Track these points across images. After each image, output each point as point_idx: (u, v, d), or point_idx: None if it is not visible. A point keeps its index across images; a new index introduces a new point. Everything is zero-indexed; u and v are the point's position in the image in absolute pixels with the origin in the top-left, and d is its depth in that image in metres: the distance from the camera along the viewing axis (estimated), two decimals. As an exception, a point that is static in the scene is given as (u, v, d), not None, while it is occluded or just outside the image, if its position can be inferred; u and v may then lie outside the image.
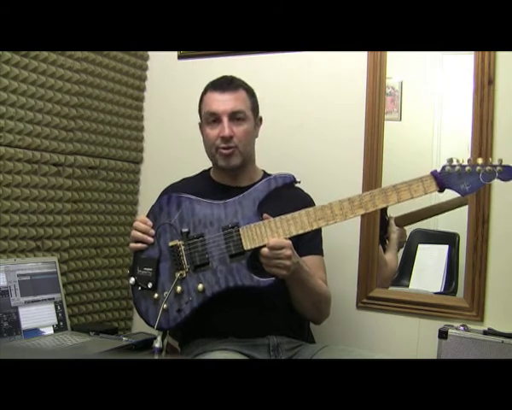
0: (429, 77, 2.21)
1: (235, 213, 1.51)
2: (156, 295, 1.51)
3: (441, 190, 1.45)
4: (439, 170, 1.45)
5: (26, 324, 1.79)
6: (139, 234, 1.57)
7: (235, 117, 1.63)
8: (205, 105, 1.69)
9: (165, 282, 1.52)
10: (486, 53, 1.81)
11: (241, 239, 1.48)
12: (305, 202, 1.68)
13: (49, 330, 1.86)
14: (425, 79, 2.22)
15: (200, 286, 1.47)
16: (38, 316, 1.84)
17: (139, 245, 1.57)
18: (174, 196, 1.58)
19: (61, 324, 1.90)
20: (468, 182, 1.42)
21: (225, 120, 1.62)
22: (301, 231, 1.47)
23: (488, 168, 1.42)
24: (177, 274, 1.50)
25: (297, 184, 1.75)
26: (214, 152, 1.67)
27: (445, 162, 1.45)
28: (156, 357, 1.49)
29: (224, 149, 1.64)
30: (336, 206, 1.47)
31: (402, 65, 2.15)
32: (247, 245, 1.47)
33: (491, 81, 1.82)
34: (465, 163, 1.43)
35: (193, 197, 1.56)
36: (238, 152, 1.65)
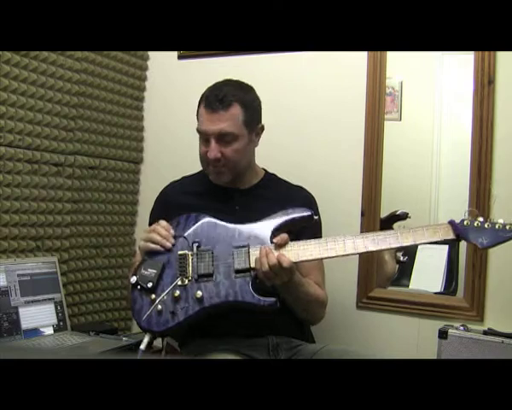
0: (429, 77, 2.21)
1: (248, 237, 1.51)
2: (153, 296, 1.48)
3: (458, 239, 1.43)
4: (457, 221, 1.43)
5: (26, 324, 1.79)
6: (158, 238, 1.53)
7: (222, 139, 1.61)
8: (198, 120, 1.67)
9: (166, 286, 1.49)
10: (486, 53, 1.81)
11: (249, 256, 1.48)
12: (305, 201, 1.69)
13: (49, 330, 1.86)
14: (425, 79, 2.22)
15: (199, 293, 1.45)
16: (38, 316, 1.84)
17: (153, 246, 1.53)
18: (193, 215, 1.59)
19: (61, 324, 1.90)
20: (487, 236, 1.39)
21: (212, 141, 1.60)
22: (310, 258, 1.47)
23: (508, 226, 1.40)
24: (179, 279, 1.49)
25: (302, 185, 1.77)
26: (205, 166, 1.68)
27: (464, 215, 1.43)
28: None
29: (213, 166, 1.64)
30: (349, 240, 1.46)
31: (402, 65, 2.15)
32: (254, 263, 1.47)
33: (491, 81, 1.82)
34: (483, 220, 1.42)
35: (212, 218, 1.57)
36: (227, 170, 1.64)
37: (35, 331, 1.82)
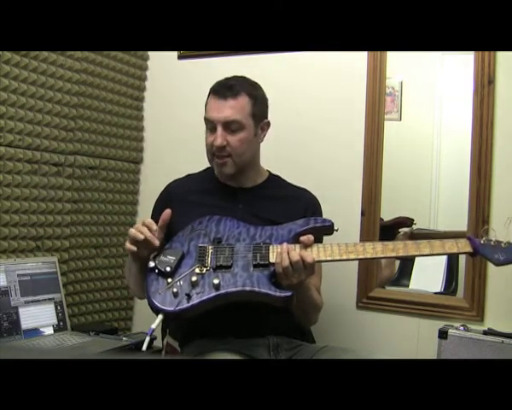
0: (429, 77, 2.21)
1: (269, 236, 1.54)
2: (170, 280, 1.48)
3: (474, 254, 1.47)
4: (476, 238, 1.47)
5: (26, 324, 1.79)
6: (133, 231, 1.51)
7: (229, 126, 1.61)
8: (206, 110, 1.67)
9: (183, 274, 1.49)
10: (486, 53, 1.81)
11: (268, 253, 1.49)
12: (309, 203, 1.69)
13: (49, 330, 1.86)
14: (425, 79, 2.22)
15: (216, 280, 1.45)
16: (38, 316, 1.84)
17: (129, 245, 1.52)
18: (217, 216, 1.60)
19: (61, 324, 1.90)
20: (503, 253, 1.44)
21: (219, 128, 1.61)
22: (329, 258, 1.48)
23: None
24: (197, 266, 1.49)
25: (302, 185, 1.76)
26: (211, 159, 1.68)
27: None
28: (148, 338, 1.45)
29: (217, 157, 1.64)
30: (369, 245, 1.49)
31: (402, 65, 2.15)
32: (274, 259, 1.47)
33: (491, 81, 1.82)
34: (501, 240, 1.46)
35: (234, 219, 1.59)
36: (231, 162, 1.63)
37: (35, 331, 1.82)
